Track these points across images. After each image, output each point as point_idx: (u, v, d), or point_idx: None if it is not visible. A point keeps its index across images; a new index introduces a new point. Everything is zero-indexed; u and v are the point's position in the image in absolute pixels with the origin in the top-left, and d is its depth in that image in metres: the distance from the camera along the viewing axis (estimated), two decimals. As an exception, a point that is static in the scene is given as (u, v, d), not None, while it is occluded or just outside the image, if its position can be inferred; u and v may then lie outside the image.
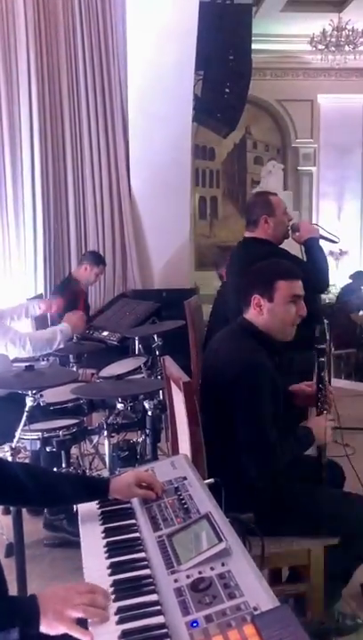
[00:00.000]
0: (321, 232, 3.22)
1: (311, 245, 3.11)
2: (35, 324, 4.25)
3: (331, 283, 8.60)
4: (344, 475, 2.40)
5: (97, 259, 4.92)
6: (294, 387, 2.37)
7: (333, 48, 8.78)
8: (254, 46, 7.09)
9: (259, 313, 2.11)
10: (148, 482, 1.57)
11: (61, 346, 3.24)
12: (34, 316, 3.62)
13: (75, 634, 1.14)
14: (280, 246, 3.14)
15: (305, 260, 3.13)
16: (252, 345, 2.08)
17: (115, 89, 5.85)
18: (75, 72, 5.79)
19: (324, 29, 8.69)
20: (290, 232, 3.15)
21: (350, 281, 8.80)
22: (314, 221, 10.66)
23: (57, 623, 1.16)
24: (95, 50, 5.79)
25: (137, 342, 4.06)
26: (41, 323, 4.17)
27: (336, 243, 3.34)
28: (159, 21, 5.43)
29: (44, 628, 1.16)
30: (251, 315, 2.14)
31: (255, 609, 1.06)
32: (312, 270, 3.00)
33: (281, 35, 9.77)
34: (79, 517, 1.59)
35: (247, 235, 3.16)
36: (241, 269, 2.97)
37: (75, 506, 1.74)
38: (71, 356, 3.66)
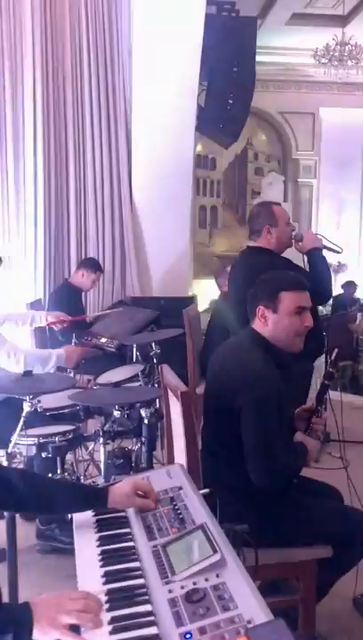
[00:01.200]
0: (325, 242, 3.22)
1: (315, 255, 3.11)
2: (35, 333, 4.25)
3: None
4: (340, 494, 2.39)
5: (94, 265, 4.93)
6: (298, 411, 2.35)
7: (336, 62, 8.83)
8: (257, 58, 7.13)
9: (264, 324, 2.11)
10: (144, 490, 1.57)
11: (52, 371, 3.19)
12: (37, 326, 3.60)
13: (67, 639, 1.15)
14: (283, 256, 3.15)
15: (308, 270, 3.13)
16: (259, 356, 2.08)
17: (119, 98, 5.88)
18: (79, 81, 5.81)
19: (327, 44, 8.76)
20: (293, 241, 3.15)
21: (342, 291, 8.88)
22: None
23: (50, 629, 1.16)
24: (100, 60, 5.81)
25: (135, 350, 4.06)
26: (40, 332, 4.18)
27: (340, 253, 3.34)
28: (165, 32, 5.47)
29: (38, 635, 1.16)
30: (257, 325, 2.15)
31: (249, 622, 1.06)
32: (315, 280, 2.99)
33: (285, 48, 9.85)
34: (74, 525, 1.59)
35: (250, 244, 3.18)
36: (243, 279, 2.99)
37: (68, 515, 1.72)
38: (85, 352, 3.63)
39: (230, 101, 6.70)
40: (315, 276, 3.01)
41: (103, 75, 5.84)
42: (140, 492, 1.57)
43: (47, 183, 5.69)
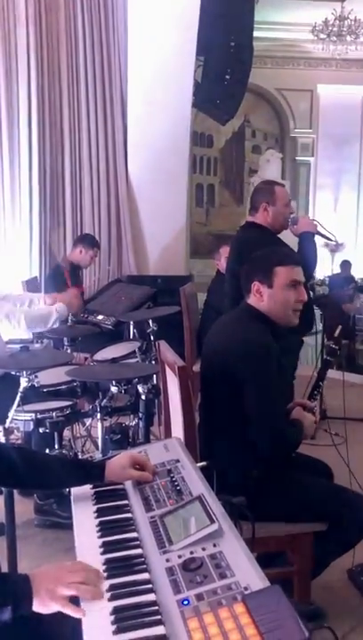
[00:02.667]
0: (319, 228, 3.31)
1: (305, 238, 3.22)
2: (27, 291, 4.27)
3: (326, 274, 8.66)
4: (331, 471, 2.42)
5: (91, 241, 4.93)
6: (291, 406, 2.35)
7: (334, 38, 8.75)
8: (255, 34, 7.04)
9: (259, 299, 2.13)
10: (141, 463, 1.58)
11: (56, 325, 3.23)
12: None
13: (67, 612, 1.15)
14: (275, 235, 3.20)
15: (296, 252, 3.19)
16: (258, 327, 2.11)
17: (115, 73, 5.81)
18: (75, 56, 5.74)
19: (326, 18, 8.66)
20: (290, 224, 3.21)
21: (340, 271, 8.89)
22: (310, 212, 10.68)
23: (50, 601, 1.17)
24: (96, 34, 5.73)
25: (132, 327, 4.06)
26: (33, 288, 4.20)
27: (332, 241, 3.44)
28: (161, 6, 5.39)
29: (37, 607, 1.17)
30: (252, 301, 2.16)
31: (246, 589, 1.07)
32: (300, 260, 3.07)
33: (283, 23, 9.73)
34: (72, 497, 1.60)
35: (248, 219, 3.25)
36: (237, 253, 3.04)
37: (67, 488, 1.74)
38: (65, 339, 3.66)
39: (227, 77, 6.62)
40: (300, 256, 3.08)
41: (99, 50, 5.76)
42: (137, 466, 1.58)
43: (42, 160, 5.64)
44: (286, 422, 2.14)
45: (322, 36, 8.81)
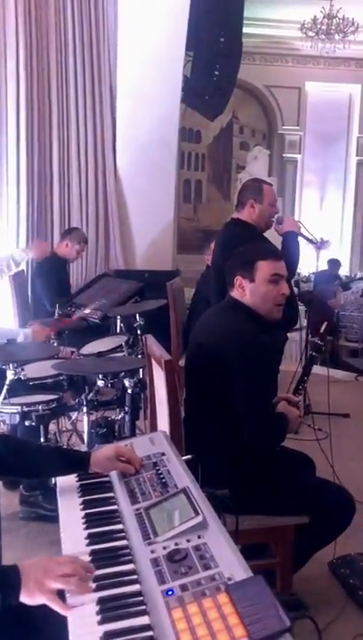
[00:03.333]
0: (302, 230, 3.36)
1: (288, 237, 3.26)
2: (13, 284, 4.26)
3: (311, 271, 8.71)
4: (314, 464, 2.45)
5: (78, 235, 4.90)
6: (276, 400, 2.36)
7: (323, 36, 8.77)
8: (244, 30, 7.06)
9: (242, 294, 2.16)
10: (127, 456, 1.59)
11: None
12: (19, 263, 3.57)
13: (54, 606, 1.15)
14: (259, 233, 3.22)
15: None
16: (245, 319, 2.14)
17: (104, 68, 5.78)
18: (64, 48, 5.70)
19: (315, 16, 8.67)
20: (274, 223, 3.24)
21: (327, 267, 8.93)
22: (296, 209, 10.73)
23: (38, 593, 1.17)
24: (85, 27, 5.70)
25: (119, 321, 4.07)
26: (19, 278, 4.18)
27: (314, 244, 3.49)
28: (151, 1, 5.37)
29: (24, 598, 1.17)
30: (235, 295, 2.19)
31: (229, 579, 1.09)
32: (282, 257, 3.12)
33: (272, 19, 9.73)
34: (57, 489, 1.61)
35: (234, 216, 3.27)
36: (221, 248, 3.06)
37: (52, 480, 1.75)
38: (52, 333, 3.65)
39: (216, 73, 6.63)
40: (284, 255, 3.11)
41: (88, 44, 5.73)
42: (122, 458, 1.59)
43: (30, 154, 5.61)
44: (272, 413, 2.16)
45: (311, 33, 8.83)
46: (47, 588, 1.16)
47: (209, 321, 2.25)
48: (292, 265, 3.22)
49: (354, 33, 8.68)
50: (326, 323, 2.37)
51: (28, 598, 1.17)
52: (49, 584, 1.17)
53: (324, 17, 8.66)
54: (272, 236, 3.30)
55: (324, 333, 2.38)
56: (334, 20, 8.65)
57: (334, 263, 9.26)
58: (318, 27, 8.73)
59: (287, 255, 3.15)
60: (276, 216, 3.24)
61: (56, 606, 1.15)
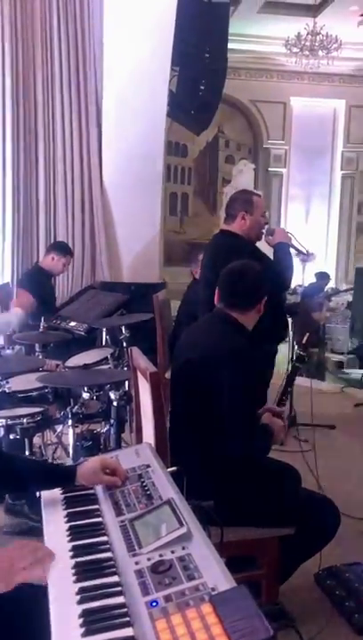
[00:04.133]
0: (293, 241, 3.35)
1: (281, 248, 3.23)
2: None
3: (297, 283, 8.76)
4: (300, 475, 2.46)
5: (64, 249, 4.88)
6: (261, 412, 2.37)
7: (307, 52, 8.89)
8: (230, 45, 7.14)
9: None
10: (112, 468, 1.59)
11: (17, 329, 3.22)
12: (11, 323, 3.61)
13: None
14: (250, 244, 3.22)
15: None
16: (233, 334, 2.16)
17: (90, 80, 5.83)
18: (50, 62, 5.73)
19: (299, 33, 8.81)
20: (264, 234, 3.24)
21: (315, 280, 8.99)
22: (282, 222, 10.82)
23: (4, 589, 1.20)
24: (71, 41, 5.74)
25: (104, 333, 4.06)
26: (4, 293, 4.18)
27: (305, 255, 3.49)
28: (137, 15, 5.44)
29: None
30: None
31: (213, 589, 1.09)
32: (277, 270, 3.11)
33: (257, 36, 9.87)
34: (42, 502, 1.61)
35: (224, 227, 3.24)
36: (212, 260, 3.05)
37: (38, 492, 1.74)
38: (37, 346, 3.64)
39: (202, 87, 6.70)
40: (278, 267, 3.13)
41: (74, 58, 5.77)
42: (108, 470, 1.59)
43: (16, 167, 5.62)
44: (257, 428, 2.17)
45: (295, 49, 8.96)
46: (12, 582, 1.21)
47: (197, 334, 2.26)
48: (287, 277, 3.24)
49: (337, 50, 8.82)
50: (308, 334, 2.40)
51: None
52: (15, 579, 1.21)
53: (308, 34, 8.79)
54: (262, 247, 3.30)
55: (306, 344, 2.41)
56: (318, 37, 8.79)
57: (323, 276, 9.32)
58: (303, 43, 8.86)
59: (281, 267, 3.17)
60: (266, 227, 3.24)
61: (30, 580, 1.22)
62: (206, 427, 2.07)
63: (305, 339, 2.40)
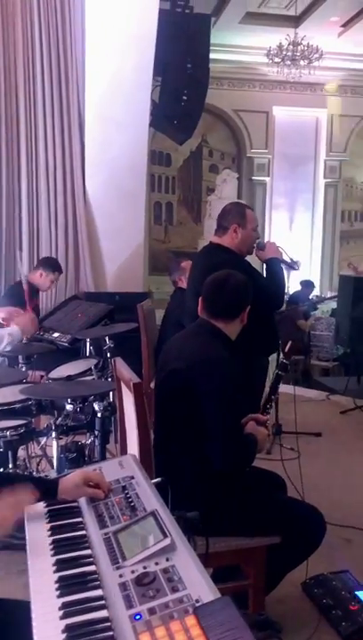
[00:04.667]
0: (283, 255, 3.31)
1: (273, 264, 3.20)
2: None
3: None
4: (284, 483, 2.47)
5: (53, 265, 4.82)
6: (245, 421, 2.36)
7: (289, 62, 8.97)
8: (212, 56, 7.20)
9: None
10: (95, 481, 1.58)
11: (8, 349, 3.19)
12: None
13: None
14: (244, 259, 3.20)
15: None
16: (218, 345, 2.16)
17: (72, 91, 5.84)
18: (32, 73, 5.74)
19: (280, 43, 8.88)
20: (255, 249, 3.21)
21: (300, 288, 9.03)
22: (266, 231, 10.88)
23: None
24: (53, 52, 5.75)
25: (88, 344, 4.05)
26: None
27: (296, 270, 3.47)
28: (119, 27, 5.46)
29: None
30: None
31: (197, 601, 1.09)
32: (270, 287, 3.11)
33: (239, 46, 9.95)
34: (25, 516, 1.59)
35: (214, 240, 3.18)
36: (203, 276, 3.00)
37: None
38: (20, 357, 3.62)
39: (184, 97, 6.74)
40: (272, 283, 3.12)
41: (56, 68, 5.79)
42: (91, 483, 1.58)
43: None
44: (242, 438, 2.17)
45: (277, 59, 9.04)
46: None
47: (181, 344, 2.25)
48: (281, 295, 3.24)
49: (319, 60, 8.91)
50: (290, 342, 2.41)
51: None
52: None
53: (289, 44, 8.87)
54: (253, 260, 3.27)
55: (289, 352, 2.42)
56: (299, 47, 8.87)
57: (308, 284, 9.36)
58: (284, 53, 8.94)
59: (276, 284, 3.15)
60: (257, 241, 3.20)
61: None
62: (190, 436, 2.06)
63: (287, 347, 2.41)
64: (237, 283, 2.25)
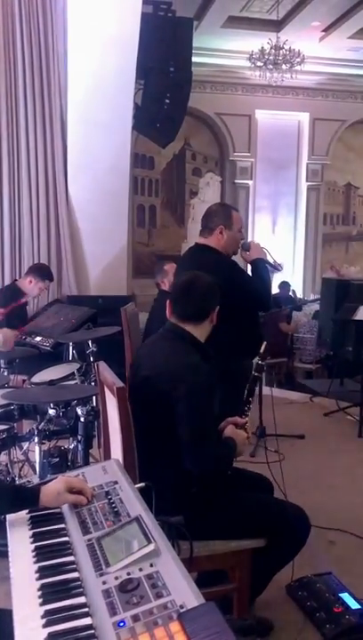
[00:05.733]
0: (268, 257, 3.32)
1: (259, 265, 3.21)
2: None
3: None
4: (272, 485, 2.47)
5: (43, 273, 4.78)
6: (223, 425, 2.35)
7: (271, 66, 9.01)
8: (194, 59, 7.20)
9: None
10: (77, 487, 1.57)
11: None
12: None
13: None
14: (231, 259, 3.21)
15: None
16: (187, 348, 2.15)
17: (54, 94, 5.81)
18: (13, 76, 5.70)
19: (262, 47, 8.92)
20: (240, 249, 3.22)
21: (279, 291, 9.09)
22: (250, 233, 10.92)
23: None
24: (35, 55, 5.72)
25: (71, 348, 4.02)
26: None
27: (279, 271, 3.48)
28: (101, 29, 5.45)
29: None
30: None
31: (182, 607, 1.08)
32: (257, 288, 3.11)
33: (221, 50, 9.97)
34: (7, 522, 1.57)
35: (200, 241, 3.19)
36: None
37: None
38: (2, 362, 3.58)
39: (167, 101, 6.74)
40: (258, 283, 3.12)
41: (38, 71, 5.75)
42: (73, 489, 1.56)
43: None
44: (218, 443, 2.16)
45: (259, 63, 9.07)
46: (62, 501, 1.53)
47: (152, 351, 2.23)
48: (268, 296, 3.24)
49: (300, 64, 8.96)
50: (265, 343, 2.42)
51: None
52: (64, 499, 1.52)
53: (271, 48, 8.91)
54: (238, 261, 3.28)
55: (264, 353, 2.42)
56: (281, 52, 8.91)
57: (285, 285, 9.44)
58: (266, 57, 8.97)
59: (262, 285, 3.15)
60: (242, 242, 3.22)
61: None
62: (168, 442, 2.05)
63: (263, 348, 2.41)
64: (203, 284, 2.23)
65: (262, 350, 2.41)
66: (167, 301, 2.25)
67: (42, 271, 4.85)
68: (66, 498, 1.55)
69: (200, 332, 2.21)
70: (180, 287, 2.26)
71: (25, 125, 5.77)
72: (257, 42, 8.97)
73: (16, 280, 5.06)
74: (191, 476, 2.04)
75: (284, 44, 8.88)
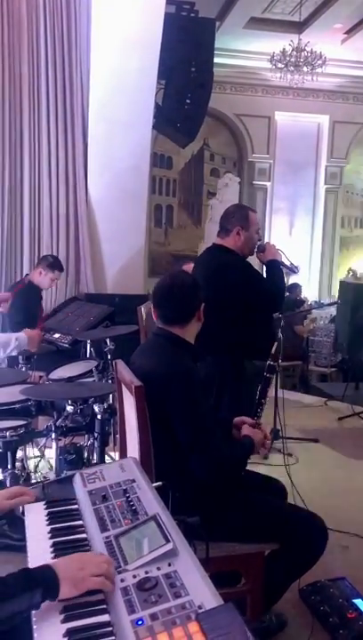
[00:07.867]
0: (283, 258, 3.33)
1: (274, 266, 3.22)
2: None
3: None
4: (286, 490, 2.45)
5: (52, 264, 4.80)
6: (237, 420, 2.34)
7: (292, 68, 8.97)
8: (215, 60, 7.20)
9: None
10: (13, 492, 1.60)
11: (14, 353, 3.20)
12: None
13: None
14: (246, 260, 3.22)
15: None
16: (180, 352, 2.13)
17: (76, 93, 5.84)
18: (36, 74, 5.74)
19: (284, 49, 8.89)
20: (256, 250, 3.24)
21: (288, 294, 9.02)
22: (267, 235, 10.89)
23: (73, 590, 1.20)
24: (58, 54, 5.76)
25: (89, 346, 4.04)
26: None
27: (296, 273, 3.48)
28: (124, 29, 5.47)
29: (63, 594, 1.20)
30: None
31: (200, 607, 1.08)
32: (271, 289, 3.12)
33: (242, 51, 9.96)
34: (26, 518, 1.58)
35: (217, 241, 3.22)
36: (205, 276, 3.02)
37: (20, 508, 1.71)
38: (20, 358, 3.60)
39: (188, 101, 6.75)
40: (271, 285, 3.13)
41: (61, 70, 5.79)
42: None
43: (1, 179, 5.60)
44: (228, 445, 2.15)
45: (280, 65, 9.04)
46: (84, 586, 1.20)
47: (143, 358, 2.22)
48: (282, 297, 3.26)
49: (322, 66, 8.92)
50: (276, 344, 2.41)
51: (66, 594, 1.20)
52: (85, 584, 1.20)
53: (292, 50, 8.88)
54: (253, 262, 3.29)
55: (275, 355, 2.41)
56: (303, 54, 8.87)
57: (294, 287, 9.37)
58: (287, 59, 8.94)
59: (276, 286, 3.17)
60: (257, 243, 3.23)
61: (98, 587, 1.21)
62: (176, 446, 2.04)
63: (274, 349, 2.40)
64: (183, 286, 2.19)
65: (272, 351, 2.40)
66: (151, 307, 2.24)
67: (50, 262, 4.85)
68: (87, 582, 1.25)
69: (188, 332, 2.19)
70: (160, 292, 2.22)
71: (47, 124, 5.80)
72: (279, 43, 8.94)
73: (27, 275, 5.08)
74: (199, 479, 2.03)
75: (305, 45, 8.83)
